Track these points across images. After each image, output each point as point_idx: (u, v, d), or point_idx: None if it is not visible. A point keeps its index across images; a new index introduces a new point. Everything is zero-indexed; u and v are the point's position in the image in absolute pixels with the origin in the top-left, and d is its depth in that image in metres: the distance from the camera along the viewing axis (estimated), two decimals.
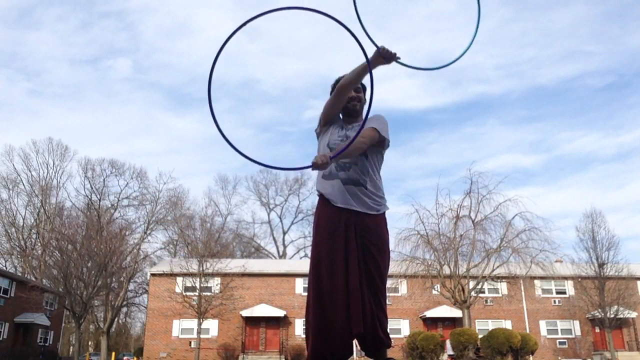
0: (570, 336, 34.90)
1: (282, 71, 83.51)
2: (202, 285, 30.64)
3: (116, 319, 47.64)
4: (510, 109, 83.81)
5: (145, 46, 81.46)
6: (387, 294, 3.19)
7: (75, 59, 76.57)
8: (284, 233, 58.80)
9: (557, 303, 35.44)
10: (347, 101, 3.22)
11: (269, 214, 58.74)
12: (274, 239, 58.45)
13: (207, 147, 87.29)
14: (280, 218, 58.84)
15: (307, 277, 3.16)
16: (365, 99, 3.31)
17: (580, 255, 33.21)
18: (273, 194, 58.83)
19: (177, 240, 48.26)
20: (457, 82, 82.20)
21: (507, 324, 33.47)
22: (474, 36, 3.09)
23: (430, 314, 33.45)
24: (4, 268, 42.55)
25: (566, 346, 34.51)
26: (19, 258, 48.73)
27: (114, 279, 36.42)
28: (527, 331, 31.81)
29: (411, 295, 32.52)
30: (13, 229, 48.67)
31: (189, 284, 31.33)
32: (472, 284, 26.61)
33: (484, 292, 32.29)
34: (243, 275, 32.74)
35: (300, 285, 34.27)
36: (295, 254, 57.07)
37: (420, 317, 34.08)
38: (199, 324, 29.94)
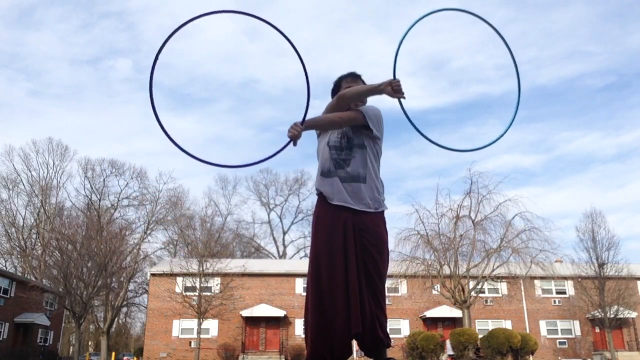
0: (570, 336, 34.90)
1: (282, 71, 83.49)
2: (202, 285, 30.64)
3: (116, 319, 47.63)
4: (510, 109, 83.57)
5: (145, 46, 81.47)
6: (387, 294, 3.19)
7: (75, 59, 76.60)
8: (284, 233, 58.86)
9: (557, 303, 35.44)
10: None
11: (269, 214, 58.81)
12: (274, 239, 58.52)
13: (207, 147, 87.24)
14: (280, 218, 58.90)
15: (306, 277, 3.16)
16: (366, 101, 3.31)
17: (580, 255, 33.26)
18: (273, 194, 58.90)
19: (177, 240, 48.30)
20: (457, 82, 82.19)
21: (507, 324, 33.47)
22: (512, 122, 3.11)
23: (430, 314, 33.45)
24: (4, 268, 42.56)
25: (566, 346, 34.52)
26: (19, 258, 48.76)
27: (114, 279, 36.42)
28: (527, 331, 31.82)
29: (411, 295, 32.53)
30: (13, 229, 48.68)
31: (189, 284, 31.33)
32: (472, 284, 26.61)
33: (484, 292, 32.29)
34: (243, 275, 32.75)
35: (300, 285, 34.27)
36: (295, 254, 57.12)
37: (420, 317, 34.08)
38: (199, 324, 29.94)
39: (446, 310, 32.88)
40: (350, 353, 2.90)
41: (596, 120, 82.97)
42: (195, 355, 29.52)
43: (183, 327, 33.49)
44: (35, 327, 37.59)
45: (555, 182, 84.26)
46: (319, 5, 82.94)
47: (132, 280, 43.50)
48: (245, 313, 33.16)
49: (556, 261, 29.64)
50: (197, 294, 30.49)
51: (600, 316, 32.16)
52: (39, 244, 47.47)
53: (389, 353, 3.11)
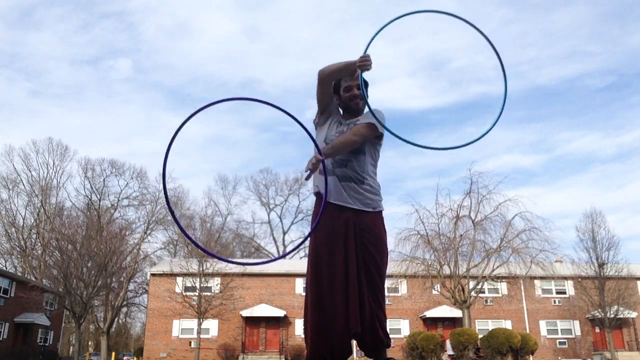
0: (570, 336, 34.90)
1: (282, 71, 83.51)
2: (202, 285, 30.64)
3: (116, 319, 47.63)
4: (510, 109, 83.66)
5: (145, 46, 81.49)
6: (387, 294, 3.19)
7: (75, 59, 76.60)
8: (284, 233, 58.87)
9: (557, 303, 35.43)
10: (349, 99, 3.21)
11: (269, 214, 58.80)
12: (274, 239, 58.51)
13: (207, 148, 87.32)
14: (280, 218, 58.90)
15: (305, 277, 3.16)
16: (367, 96, 3.31)
17: (580, 255, 33.25)
18: (273, 194, 58.88)
19: (177, 240, 48.30)
20: (457, 82, 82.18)
21: (507, 324, 33.46)
22: (497, 119, 3.09)
23: (430, 314, 33.44)
24: (4, 268, 42.55)
25: (566, 346, 34.51)
26: (19, 258, 48.75)
27: (114, 279, 36.41)
28: (527, 331, 31.81)
29: (411, 295, 32.52)
30: (13, 229, 48.67)
31: (189, 284, 31.33)
32: (472, 284, 26.61)
33: (484, 292, 32.28)
34: (243, 275, 32.76)
35: (300, 285, 34.26)
36: (295, 254, 57.11)
37: (420, 317, 34.07)
38: (199, 324, 29.94)
39: (446, 310, 32.88)
40: (350, 353, 2.90)
41: (596, 120, 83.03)
42: (195, 355, 29.52)
43: (183, 327, 33.49)
44: (35, 327, 37.58)
45: (556, 182, 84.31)
46: (319, 5, 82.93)
47: (132, 280, 43.52)
48: (245, 313, 33.16)
49: (556, 261, 29.63)
50: (197, 294, 30.49)
51: (600, 316, 32.16)
52: (39, 244, 47.47)
53: (389, 353, 3.11)
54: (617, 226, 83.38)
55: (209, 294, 31.23)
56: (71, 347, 52.58)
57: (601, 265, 32.07)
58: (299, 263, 40.62)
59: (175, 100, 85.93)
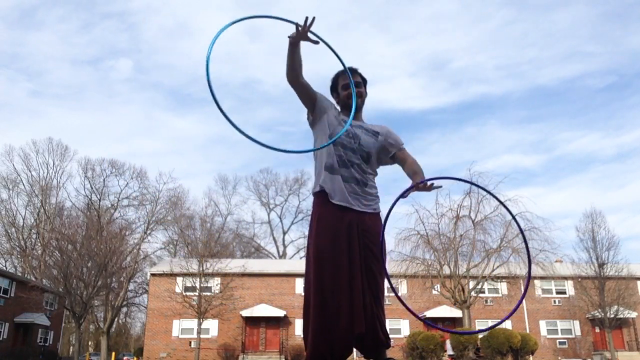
0: (570, 336, 34.90)
1: (283, 71, 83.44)
2: (202, 285, 30.63)
3: (116, 319, 47.63)
4: (510, 109, 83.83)
5: (146, 47, 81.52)
6: (387, 294, 3.20)
7: (76, 59, 76.61)
8: (284, 233, 58.87)
9: (557, 303, 35.43)
10: (346, 97, 3.21)
11: (269, 214, 58.81)
12: (274, 239, 58.52)
13: (207, 148, 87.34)
14: (280, 218, 58.91)
15: (305, 277, 3.16)
16: (366, 93, 3.31)
17: (580, 255, 33.27)
18: (273, 194, 58.91)
19: (177, 240, 48.30)
20: (457, 82, 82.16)
21: (507, 324, 33.44)
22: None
23: (430, 314, 33.43)
24: (4, 268, 42.55)
25: (566, 346, 34.51)
26: (19, 258, 48.75)
27: (114, 279, 36.42)
28: (527, 331, 31.82)
29: (411, 295, 32.51)
30: (13, 229, 48.67)
31: (189, 284, 31.33)
32: (472, 284, 26.61)
33: (484, 292, 32.28)
34: (243, 275, 32.74)
35: (300, 285, 34.25)
36: (295, 254, 57.11)
37: (421, 317, 34.05)
38: (199, 324, 29.94)
39: (446, 310, 32.88)
40: (350, 353, 2.90)
41: (596, 120, 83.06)
42: (195, 355, 29.52)
43: (183, 327, 33.48)
44: (35, 327, 37.58)
45: (556, 182, 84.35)
46: (320, 6, 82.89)
47: (132, 280, 43.53)
48: (245, 313, 33.15)
49: (556, 261, 29.63)
50: (197, 294, 30.48)
51: (600, 316, 32.16)
52: (39, 244, 47.46)
53: (389, 353, 3.10)
54: (617, 226, 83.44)
55: (209, 294, 31.23)
56: (71, 347, 52.60)
57: (601, 265, 32.07)
58: (299, 263, 40.60)
59: (175, 101, 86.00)
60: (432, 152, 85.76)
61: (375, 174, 3.24)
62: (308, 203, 56.58)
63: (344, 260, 2.90)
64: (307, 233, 3.24)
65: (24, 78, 76.92)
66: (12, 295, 35.10)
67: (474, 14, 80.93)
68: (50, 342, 40.56)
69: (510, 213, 3.09)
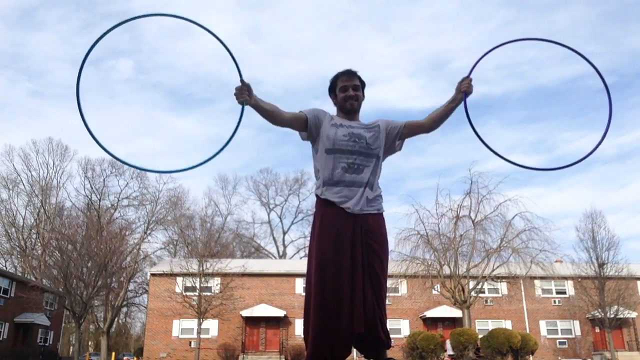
0: (570, 336, 34.89)
1: (283, 72, 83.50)
2: (202, 285, 30.63)
3: (116, 319, 47.64)
4: (511, 109, 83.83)
5: (147, 47, 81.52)
6: (387, 294, 3.19)
7: (77, 59, 76.35)
8: (284, 233, 58.83)
9: (557, 303, 35.43)
10: (344, 99, 3.19)
11: (269, 214, 58.78)
12: (274, 239, 58.49)
13: (208, 148, 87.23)
14: (280, 218, 58.87)
15: (306, 277, 3.16)
16: (363, 97, 3.28)
17: (580, 255, 33.25)
18: (273, 194, 58.86)
19: (177, 240, 48.30)
20: (458, 82, 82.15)
21: (507, 324, 33.46)
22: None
23: (430, 314, 33.44)
24: (4, 268, 42.55)
25: (566, 346, 34.51)
26: (19, 258, 48.75)
27: (114, 279, 36.41)
28: (527, 331, 31.80)
29: (411, 295, 32.52)
30: (13, 229, 48.68)
31: (189, 284, 31.32)
32: (472, 284, 26.60)
33: (484, 292, 32.27)
34: (243, 275, 32.73)
35: (300, 285, 34.25)
36: (295, 254, 57.09)
37: (420, 317, 34.07)
38: (199, 324, 29.93)
39: (446, 310, 32.87)
40: (350, 353, 2.90)
41: (597, 120, 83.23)
42: (195, 355, 29.52)
43: (183, 327, 33.48)
44: (35, 327, 37.58)
45: (556, 182, 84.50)
46: (320, 6, 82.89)
47: (132, 280, 43.54)
48: (245, 313, 33.15)
49: (556, 261, 29.63)
50: (197, 294, 30.48)
51: (600, 316, 32.15)
52: (39, 244, 47.47)
53: (389, 353, 3.11)
54: (618, 226, 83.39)
55: (209, 294, 31.22)
56: (71, 347, 52.59)
57: (601, 265, 32.06)
58: (299, 263, 40.60)
59: (175, 101, 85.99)
60: (432, 152, 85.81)
61: (380, 171, 3.21)
62: (308, 203, 56.62)
63: (346, 261, 2.90)
64: (307, 233, 3.25)
65: (25, 78, 77.02)
66: (12, 295, 35.10)
67: (474, 14, 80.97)
68: (50, 342, 40.56)
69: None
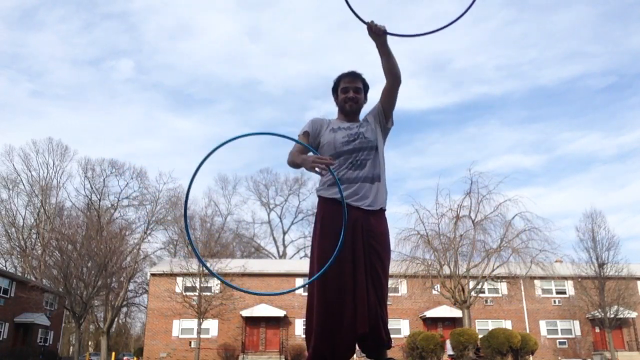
0: (570, 336, 34.90)
1: (283, 72, 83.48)
2: (202, 285, 30.63)
3: (116, 319, 47.63)
4: (511, 109, 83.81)
5: (147, 47, 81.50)
6: (388, 294, 3.19)
7: (77, 59, 76.63)
8: (284, 233, 58.83)
9: (557, 303, 35.43)
10: (344, 100, 3.21)
11: (269, 214, 58.77)
12: (274, 239, 58.49)
13: (208, 148, 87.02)
14: (280, 218, 58.88)
15: (307, 277, 3.16)
16: (365, 100, 3.30)
17: (580, 255, 33.24)
18: (273, 194, 58.87)
19: (177, 240, 48.32)
20: (458, 82, 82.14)
21: (507, 324, 33.46)
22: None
23: (430, 314, 33.44)
24: (4, 268, 42.55)
25: (566, 346, 34.51)
26: (19, 258, 48.75)
27: (114, 279, 36.40)
28: (527, 331, 31.81)
29: (411, 295, 32.52)
30: (13, 229, 48.68)
31: (189, 284, 31.33)
32: (472, 284, 26.60)
33: (484, 292, 32.28)
34: (243, 275, 32.72)
35: (300, 285, 34.24)
36: (295, 254, 57.09)
37: (420, 317, 34.07)
38: (199, 324, 29.94)
39: (446, 310, 32.88)
40: (353, 353, 2.90)
41: (597, 120, 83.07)
42: (195, 355, 29.52)
43: (183, 327, 33.49)
44: (35, 327, 37.58)
45: (556, 182, 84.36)
46: (321, 6, 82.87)
47: (132, 280, 43.52)
48: (245, 313, 33.15)
49: (556, 261, 29.62)
50: (197, 294, 30.48)
51: (600, 316, 32.15)
52: (39, 244, 47.46)
53: (389, 353, 3.11)
54: (618, 226, 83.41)
55: (209, 294, 31.23)
56: (71, 347, 52.59)
57: (601, 265, 32.06)
58: (299, 263, 40.62)
59: (176, 101, 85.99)
60: (432, 152, 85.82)
61: (384, 163, 3.21)
62: (308, 203, 56.64)
63: (348, 261, 2.90)
64: (307, 233, 3.25)
65: (25, 78, 77.03)
66: (12, 295, 35.10)
67: (474, 14, 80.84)
68: (50, 342, 40.56)
69: None
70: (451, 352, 23.98)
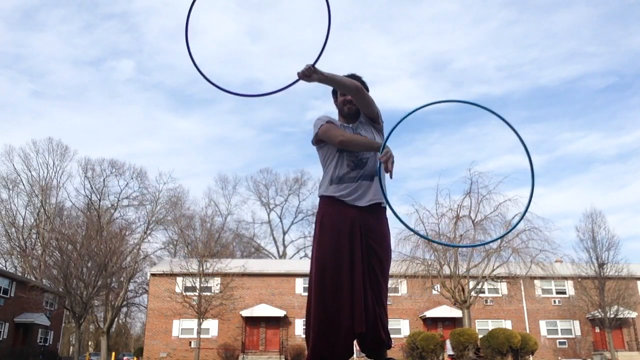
0: (570, 336, 34.90)
1: (284, 72, 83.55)
2: (202, 285, 30.64)
3: (116, 319, 47.64)
4: (511, 109, 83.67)
5: (148, 47, 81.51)
6: (388, 294, 3.19)
7: (78, 60, 76.63)
8: (284, 233, 58.87)
9: (557, 303, 35.43)
10: (342, 103, 3.25)
11: (269, 214, 58.80)
12: (274, 239, 58.51)
13: (208, 148, 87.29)
14: (280, 218, 58.90)
15: (307, 277, 3.16)
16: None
17: (580, 255, 33.25)
18: (273, 194, 58.90)
19: (177, 240, 48.29)
20: (459, 83, 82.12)
21: (507, 324, 33.47)
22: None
23: (430, 314, 33.45)
24: (4, 268, 42.55)
25: (566, 346, 34.51)
26: (19, 258, 48.74)
27: (114, 279, 36.42)
28: (527, 331, 31.82)
29: (411, 295, 32.54)
30: (13, 229, 48.67)
31: (189, 284, 31.33)
32: (472, 284, 26.62)
33: (484, 292, 32.28)
34: (243, 275, 32.75)
35: (300, 285, 34.26)
36: (295, 254, 57.13)
37: (420, 317, 34.08)
38: (199, 324, 29.94)
39: (446, 310, 32.88)
40: (352, 353, 2.89)
41: (597, 121, 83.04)
42: (195, 355, 29.52)
43: (183, 327, 33.49)
44: (35, 327, 37.58)
45: (557, 182, 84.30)
46: (321, 7, 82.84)
47: (132, 280, 43.53)
48: (245, 313, 33.15)
49: (556, 261, 29.63)
50: (197, 294, 30.48)
51: (600, 316, 32.15)
52: (39, 244, 47.46)
53: (389, 353, 3.11)
54: (618, 226, 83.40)
55: (209, 294, 31.23)
56: (71, 347, 52.60)
57: (601, 265, 32.06)
58: (299, 263, 40.63)
59: (176, 101, 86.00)
60: (432, 153, 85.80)
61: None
62: (308, 203, 56.67)
63: (346, 261, 2.91)
64: (307, 233, 3.26)
65: (26, 79, 77.04)
66: (12, 295, 35.11)
67: (474, 14, 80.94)
68: (50, 342, 40.57)
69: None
70: (451, 352, 23.99)
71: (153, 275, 34.97)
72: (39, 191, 49.51)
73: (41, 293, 35.92)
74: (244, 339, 33.31)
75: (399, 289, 32.98)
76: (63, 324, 45.15)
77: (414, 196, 52.85)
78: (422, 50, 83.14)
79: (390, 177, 2.85)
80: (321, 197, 3.15)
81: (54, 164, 50.02)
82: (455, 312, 31.33)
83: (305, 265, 33.88)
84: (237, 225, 55.40)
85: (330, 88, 3.36)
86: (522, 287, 32.14)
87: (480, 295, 29.70)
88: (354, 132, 3.17)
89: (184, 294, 30.82)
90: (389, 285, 3.04)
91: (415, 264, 26.33)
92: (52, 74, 77.88)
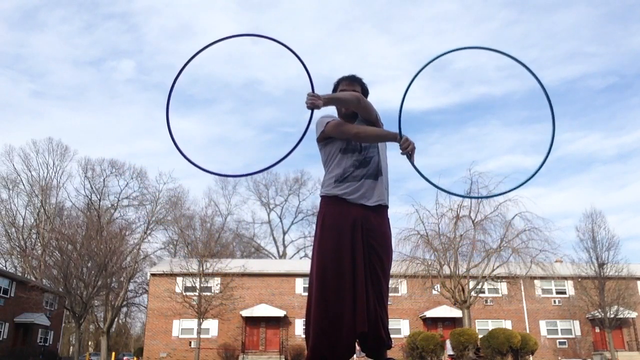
0: (570, 336, 34.89)
1: (284, 72, 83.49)
2: (202, 285, 30.63)
3: (116, 319, 47.63)
4: (512, 109, 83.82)
5: (148, 48, 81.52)
6: (388, 294, 3.19)
7: (79, 60, 76.62)
8: (284, 233, 58.86)
9: (557, 303, 35.43)
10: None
11: (269, 214, 58.79)
12: (274, 239, 58.51)
13: (208, 148, 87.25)
14: (280, 218, 58.90)
15: (307, 277, 3.16)
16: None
17: (580, 255, 33.24)
18: (273, 194, 58.88)
19: (177, 240, 48.28)
20: (459, 83, 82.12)
21: (507, 324, 33.46)
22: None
23: (430, 314, 33.45)
24: (4, 268, 42.55)
25: (566, 346, 34.51)
26: (19, 258, 48.74)
27: (114, 279, 36.42)
28: (527, 331, 31.81)
29: (411, 295, 32.53)
30: (13, 229, 48.67)
31: (189, 284, 31.32)
32: (472, 284, 26.62)
33: (484, 292, 32.28)
34: (243, 275, 32.74)
35: (300, 285, 34.25)
36: (295, 254, 57.11)
37: (420, 317, 34.07)
38: (199, 324, 29.94)
39: (446, 310, 32.87)
40: (353, 353, 2.89)
41: (597, 121, 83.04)
42: (195, 355, 29.52)
43: (183, 327, 33.48)
44: (35, 327, 37.58)
45: (557, 182, 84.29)
46: (322, 7, 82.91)
47: (132, 280, 43.52)
48: (245, 313, 33.15)
49: (556, 261, 29.63)
50: (197, 294, 30.48)
51: (600, 316, 32.15)
52: (39, 244, 47.46)
53: (389, 353, 3.11)
54: (618, 226, 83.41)
55: (209, 294, 31.22)
56: (71, 347, 52.60)
57: (601, 265, 32.06)
58: (299, 263, 40.62)
59: (176, 101, 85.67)
60: (433, 153, 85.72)
61: (385, 158, 3.25)
62: (308, 203, 56.65)
63: (348, 261, 2.90)
64: (307, 233, 3.26)
65: (27, 79, 77.04)
66: (12, 295, 35.10)
67: (475, 14, 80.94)
68: (50, 342, 40.56)
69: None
70: (451, 352, 23.98)
71: (153, 275, 34.97)
72: (39, 191, 49.52)
73: (41, 293, 35.92)
74: (244, 339, 33.30)
75: (399, 289, 32.98)
76: (63, 324, 45.14)
77: (414, 196, 52.64)
78: (422, 50, 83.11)
79: (413, 165, 2.89)
80: (323, 196, 3.15)
81: (54, 164, 50.08)
82: (455, 312, 31.33)
83: (305, 266, 33.87)
84: (237, 225, 55.46)
85: (331, 88, 3.37)
86: (522, 287, 32.14)
87: (480, 295, 29.70)
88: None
89: (184, 294, 30.82)
90: (389, 285, 3.04)
91: (415, 264, 26.33)
92: (52, 74, 77.94)
